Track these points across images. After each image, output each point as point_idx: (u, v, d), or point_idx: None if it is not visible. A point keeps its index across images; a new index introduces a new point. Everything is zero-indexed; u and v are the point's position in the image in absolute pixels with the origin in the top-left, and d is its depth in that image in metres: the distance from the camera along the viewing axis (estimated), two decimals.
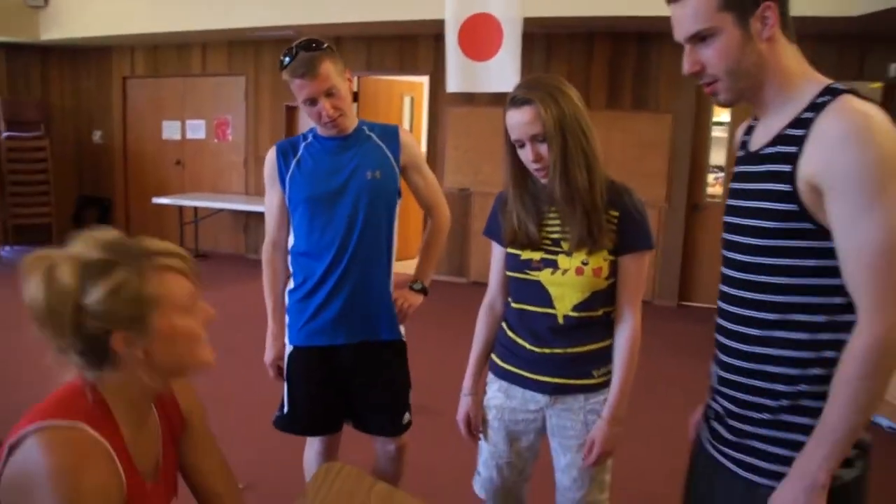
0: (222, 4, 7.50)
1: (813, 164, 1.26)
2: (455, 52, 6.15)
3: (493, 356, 2.06)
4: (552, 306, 1.89)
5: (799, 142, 1.29)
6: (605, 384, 1.92)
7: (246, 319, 6.23)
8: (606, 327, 1.92)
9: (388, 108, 8.56)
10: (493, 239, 2.03)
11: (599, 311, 1.90)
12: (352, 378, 2.41)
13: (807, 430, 1.33)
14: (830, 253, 1.28)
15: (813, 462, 1.29)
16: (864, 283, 1.24)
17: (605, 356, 1.92)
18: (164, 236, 6.11)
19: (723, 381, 1.49)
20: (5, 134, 8.65)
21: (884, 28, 5.63)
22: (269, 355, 2.48)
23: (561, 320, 1.89)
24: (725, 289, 1.47)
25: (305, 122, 8.48)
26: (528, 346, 1.94)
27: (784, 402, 1.37)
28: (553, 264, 1.87)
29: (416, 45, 7.79)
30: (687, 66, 1.38)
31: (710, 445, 1.54)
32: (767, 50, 1.33)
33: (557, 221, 1.88)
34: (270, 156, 2.41)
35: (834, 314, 1.31)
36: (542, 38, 7.13)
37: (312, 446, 2.54)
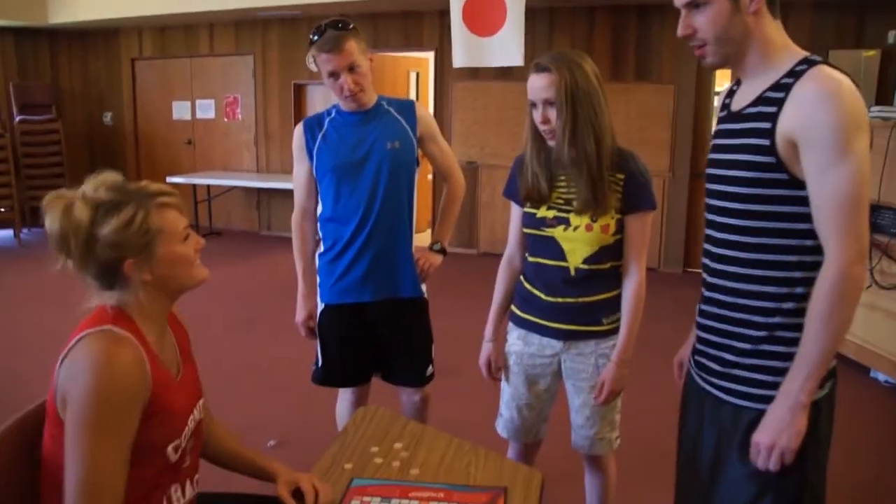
0: None
1: (790, 121, 1.45)
2: (460, 28, 6.26)
3: (513, 307, 2.28)
4: (565, 259, 2.10)
5: (779, 103, 1.47)
6: (615, 331, 2.14)
7: (262, 292, 6.46)
8: (614, 279, 2.12)
9: (394, 83, 8.67)
10: (511, 199, 2.24)
11: (607, 264, 2.10)
12: (379, 332, 2.63)
13: (784, 357, 1.54)
14: (802, 200, 1.47)
15: (795, 384, 1.48)
16: (830, 224, 1.43)
17: (614, 305, 2.12)
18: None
19: (707, 315, 1.70)
20: (18, 118, 8.79)
21: None
22: (300, 315, 2.69)
23: (573, 272, 2.09)
24: (710, 232, 1.67)
25: (314, 100, 8.63)
26: (543, 296, 2.15)
27: (762, 333, 1.57)
28: (566, 221, 2.07)
29: (420, 22, 7.90)
30: (681, 30, 1.57)
31: (698, 378, 1.75)
32: (753, 22, 1.51)
33: (567, 183, 2.08)
34: (298, 131, 2.62)
35: (804, 255, 1.50)
36: (544, 12, 7.23)
37: (344, 397, 2.77)
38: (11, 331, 5.02)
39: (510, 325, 2.29)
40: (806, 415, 1.49)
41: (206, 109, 9.36)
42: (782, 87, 1.48)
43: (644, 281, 2.10)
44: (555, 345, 2.17)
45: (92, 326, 1.43)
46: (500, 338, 2.34)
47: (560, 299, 2.13)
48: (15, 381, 4.05)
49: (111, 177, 1.51)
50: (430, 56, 8.20)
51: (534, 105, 2.03)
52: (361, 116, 2.54)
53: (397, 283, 2.60)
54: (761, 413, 1.55)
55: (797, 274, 1.51)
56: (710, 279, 1.68)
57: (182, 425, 1.54)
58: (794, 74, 1.47)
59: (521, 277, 2.25)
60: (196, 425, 1.62)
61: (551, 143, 2.05)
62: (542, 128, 2.03)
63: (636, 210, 2.06)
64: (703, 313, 1.72)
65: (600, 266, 2.09)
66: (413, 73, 8.99)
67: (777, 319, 1.55)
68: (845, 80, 1.43)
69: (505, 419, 2.32)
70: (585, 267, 2.08)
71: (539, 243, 2.13)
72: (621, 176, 2.04)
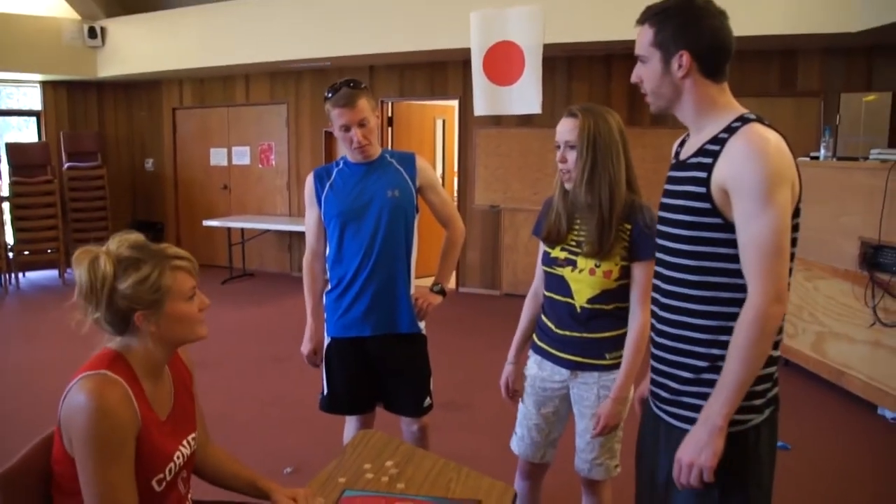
0: (264, 39, 8.04)
1: (723, 172, 1.62)
2: (481, 78, 6.51)
3: (534, 335, 2.48)
4: (572, 297, 2.29)
5: (714, 155, 1.65)
6: (617, 366, 2.28)
7: (291, 332, 6.64)
8: (618, 319, 2.27)
9: (422, 130, 9.00)
10: (538, 237, 2.44)
11: (611, 305, 2.26)
12: (380, 365, 2.83)
13: None
14: (735, 243, 1.63)
15: (713, 409, 1.62)
16: (752, 266, 1.58)
17: (618, 343, 2.27)
18: (214, 256, 6.75)
19: (657, 346, 1.85)
20: (67, 164, 9.26)
21: (888, 40, 5.89)
22: (305, 347, 2.91)
23: (578, 309, 2.28)
24: (658, 269, 1.84)
25: (342, 146, 8.93)
26: (553, 328, 2.36)
27: (704, 363, 1.71)
28: (573, 263, 2.27)
29: (445, 71, 8.22)
30: (633, 77, 1.80)
31: (653, 404, 1.90)
32: (684, 84, 1.70)
33: (580, 226, 2.27)
34: (309, 180, 2.88)
35: (737, 292, 1.64)
36: (563, 61, 7.51)
37: (351, 425, 2.96)
38: (53, 362, 5.31)
39: (530, 350, 2.49)
40: (723, 437, 1.61)
41: (242, 156, 9.76)
42: (719, 141, 1.66)
43: (647, 324, 2.16)
44: (563, 373, 2.35)
45: (89, 370, 1.62)
46: (521, 361, 2.55)
47: (567, 332, 2.31)
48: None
49: (134, 236, 1.72)
50: (455, 104, 8.51)
51: (558, 146, 2.25)
52: (366, 167, 2.78)
53: (396, 319, 2.79)
54: None
55: (731, 309, 1.64)
56: (658, 312, 1.85)
57: (165, 462, 1.72)
58: (730, 130, 1.64)
59: (542, 309, 2.45)
60: (186, 459, 1.81)
61: (568, 185, 2.25)
62: (560, 167, 2.25)
63: (639, 259, 2.20)
64: (654, 343, 1.88)
65: (604, 307, 2.26)
66: (439, 120, 9.31)
67: (715, 351, 1.68)
68: (773, 138, 1.60)
69: (517, 436, 2.51)
70: (589, 306, 2.26)
71: (552, 280, 2.34)
72: (629, 226, 2.20)
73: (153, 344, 1.71)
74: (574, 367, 2.32)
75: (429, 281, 2.94)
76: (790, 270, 1.66)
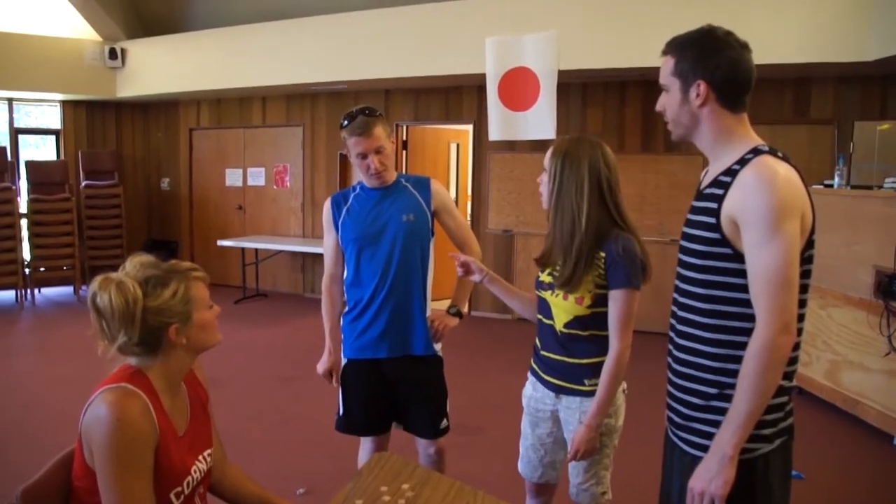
0: (282, 62, 8.13)
1: (733, 203, 1.65)
2: (495, 103, 6.52)
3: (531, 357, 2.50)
4: (553, 320, 2.32)
5: (726, 186, 1.68)
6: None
7: (303, 351, 6.70)
8: (595, 346, 2.26)
9: (436, 154, 9.06)
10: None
11: (586, 332, 2.27)
12: (395, 386, 2.86)
13: None
14: (745, 273, 1.65)
15: (723, 439, 1.63)
16: (760, 297, 1.61)
17: (596, 370, 2.25)
18: (228, 276, 6.82)
19: (672, 371, 1.88)
20: (84, 183, 9.36)
21: None
22: (322, 366, 2.93)
23: (559, 333, 2.30)
24: (675, 296, 1.87)
25: (357, 169, 8.98)
26: (540, 349, 2.39)
27: (713, 390, 1.73)
28: (552, 287, 2.30)
29: (460, 96, 8.29)
30: (657, 106, 1.85)
31: (668, 429, 1.92)
32: (701, 113, 1.75)
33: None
34: (326, 206, 2.92)
35: (747, 321, 1.66)
36: (577, 87, 7.57)
37: (365, 446, 2.97)
38: (70, 379, 5.35)
39: (528, 372, 2.50)
40: (734, 466, 1.63)
41: (257, 177, 9.83)
42: (731, 173, 1.69)
43: (621, 354, 2.20)
44: (550, 395, 2.37)
45: (109, 384, 1.67)
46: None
47: (551, 355, 2.34)
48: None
49: (146, 258, 1.79)
50: (469, 128, 8.56)
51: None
52: (381, 192, 2.82)
53: (411, 341, 2.82)
54: None
55: (741, 338, 1.66)
56: (674, 339, 1.87)
57: (183, 475, 1.75)
58: (743, 162, 1.68)
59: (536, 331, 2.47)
60: (203, 474, 1.85)
61: (545, 206, 2.31)
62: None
63: (612, 287, 2.20)
64: (669, 369, 1.90)
65: (579, 332, 2.27)
66: (454, 144, 9.36)
67: (724, 378, 1.71)
68: (783, 170, 1.63)
69: (521, 458, 2.53)
70: (566, 331, 2.28)
71: (541, 303, 2.37)
72: (602, 254, 2.20)
73: (178, 356, 1.77)
74: (557, 390, 2.34)
75: (445, 304, 2.96)
76: (804, 302, 1.68)
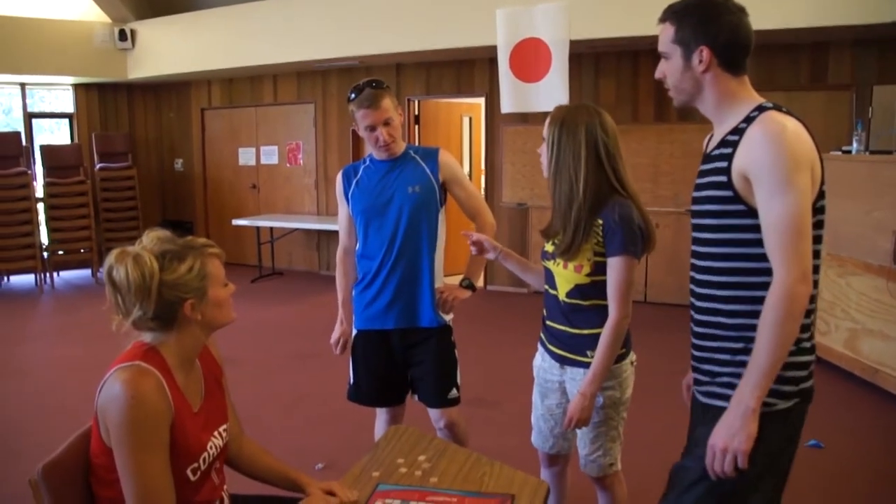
0: (292, 39, 8.09)
1: (743, 160, 1.67)
2: (507, 75, 6.49)
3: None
4: (556, 290, 2.32)
5: (734, 145, 1.70)
6: None
7: (318, 329, 6.65)
8: (597, 316, 2.25)
9: (448, 128, 9.01)
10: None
11: (587, 301, 2.27)
12: (404, 356, 2.90)
13: None
14: (759, 229, 1.66)
15: (744, 393, 1.64)
16: (775, 248, 1.62)
17: (598, 341, 2.23)
18: (243, 255, 6.90)
19: (695, 335, 1.88)
20: (98, 165, 9.41)
21: None
22: (335, 335, 3.00)
23: (562, 303, 2.31)
24: (693, 261, 1.88)
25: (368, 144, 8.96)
26: (547, 319, 2.41)
27: (739, 345, 1.73)
28: (554, 256, 2.29)
29: (472, 69, 8.23)
30: (656, 73, 1.87)
31: (697, 392, 1.91)
32: (705, 78, 1.76)
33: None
34: (338, 178, 2.97)
35: (766, 276, 1.65)
36: (590, 57, 7.49)
37: (380, 418, 3.02)
38: (88, 359, 5.41)
39: (538, 342, 2.51)
40: (756, 419, 1.62)
41: (270, 155, 9.84)
42: (738, 131, 1.71)
43: (619, 322, 2.19)
44: (556, 365, 2.39)
45: (123, 362, 1.68)
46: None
47: (556, 325, 2.36)
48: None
49: (163, 232, 1.78)
50: (481, 101, 8.51)
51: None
52: (390, 164, 2.84)
53: (418, 313, 2.85)
54: None
55: (761, 293, 1.66)
56: (695, 302, 1.87)
57: (199, 451, 1.77)
58: (748, 120, 1.70)
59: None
60: (219, 450, 1.86)
61: (545, 175, 2.30)
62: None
63: (610, 255, 2.19)
64: (692, 332, 1.90)
65: (580, 302, 2.27)
66: (466, 117, 9.31)
67: (748, 333, 1.70)
68: (790, 124, 1.64)
69: (534, 430, 2.55)
70: (568, 300, 2.29)
71: (547, 273, 2.38)
72: (600, 222, 2.19)
73: (192, 333, 1.77)
74: (562, 360, 2.35)
75: (459, 280, 2.95)
76: (817, 253, 1.69)
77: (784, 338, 1.62)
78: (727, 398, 1.71)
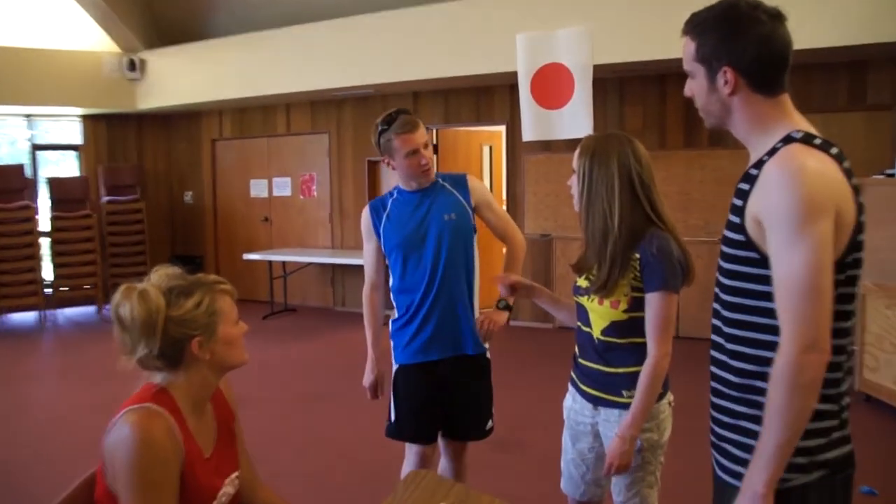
0: (305, 68, 7.89)
1: (756, 202, 1.45)
2: (528, 102, 6.27)
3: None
4: (591, 327, 2.21)
5: (753, 181, 1.48)
6: None
7: (333, 368, 6.49)
8: (633, 355, 2.13)
9: (468, 158, 8.74)
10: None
11: (623, 339, 2.15)
12: (446, 387, 2.84)
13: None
14: (771, 280, 1.44)
15: (753, 477, 1.43)
16: (783, 309, 1.40)
17: (635, 380, 2.12)
18: (255, 291, 6.58)
19: (710, 389, 1.68)
20: (105, 198, 9.20)
21: None
22: (367, 379, 2.94)
23: (596, 341, 2.20)
24: (713, 304, 1.66)
25: (387, 176, 8.75)
26: (579, 357, 2.30)
27: (741, 408, 1.53)
28: (588, 292, 2.19)
29: (491, 96, 7.99)
30: (685, 90, 1.66)
31: (713, 459, 1.70)
32: (732, 101, 1.54)
33: None
34: (365, 213, 2.92)
35: (774, 334, 1.43)
36: (614, 82, 7.23)
37: (409, 459, 2.89)
38: (92, 402, 5.13)
39: (569, 383, 2.40)
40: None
41: (283, 187, 9.60)
42: (759, 165, 1.48)
43: (659, 361, 2.08)
44: (589, 406, 2.25)
45: (133, 404, 1.62)
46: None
47: (589, 364, 2.24)
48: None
49: (171, 269, 1.73)
50: (502, 129, 8.26)
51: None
52: (420, 194, 2.82)
53: (461, 341, 2.82)
54: (737, 490, 1.48)
55: (767, 353, 1.46)
56: (711, 348, 1.67)
57: (210, 499, 1.70)
58: (772, 152, 1.47)
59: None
60: (230, 498, 1.78)
61: (576, 208, 2.20)
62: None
63: (647, 290, 2.09)
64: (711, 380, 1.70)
65: (617, 340, 2.16)
66: (486, 146, 9.05)
67: (752, 396, 1.51)
68: (812, 162, 1.40)
69: (563, 475, 2.41)
70: (604, 339, 2.18)
71: (579, 309, 2.27)
72: (637, 256, 2.09)
73: (201, 374, 1.71)
74: (595, 401, 2.24)
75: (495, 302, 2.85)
76: (848, 314, 1.49)
77: (792, 417, 1.39)
78: (738, 476, 1.52)
